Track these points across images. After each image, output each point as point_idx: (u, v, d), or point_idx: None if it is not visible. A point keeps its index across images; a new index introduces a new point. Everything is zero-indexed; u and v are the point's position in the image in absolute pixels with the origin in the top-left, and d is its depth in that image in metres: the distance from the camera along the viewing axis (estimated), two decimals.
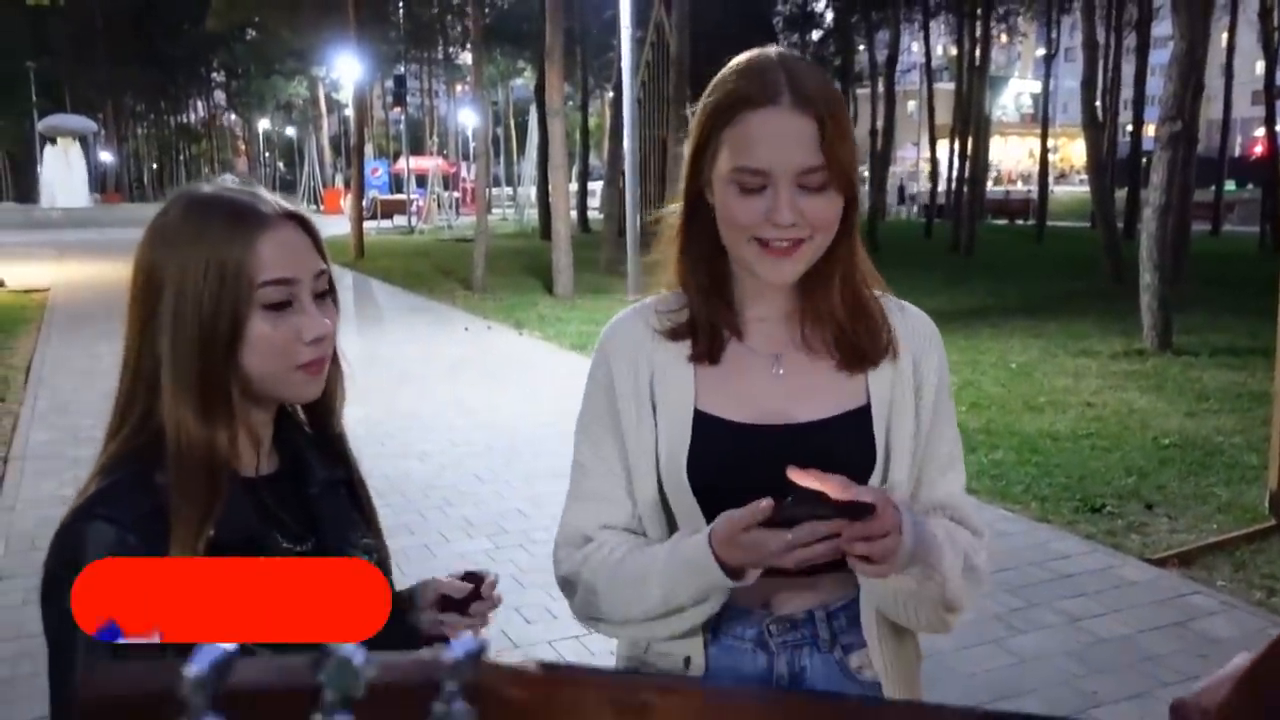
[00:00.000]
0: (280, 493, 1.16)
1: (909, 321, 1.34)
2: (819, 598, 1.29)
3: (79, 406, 7.31)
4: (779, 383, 1.29)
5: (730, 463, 1.27)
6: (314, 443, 1.23)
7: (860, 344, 1.28)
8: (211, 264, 1.05)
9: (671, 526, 1.30)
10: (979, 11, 24.77)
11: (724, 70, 1.24)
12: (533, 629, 3.83)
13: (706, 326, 1.30)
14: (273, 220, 1.09)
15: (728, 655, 1.30)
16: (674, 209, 1.31)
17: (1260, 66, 25.81)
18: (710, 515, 1.23)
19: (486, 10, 26.81)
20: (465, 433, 6.80)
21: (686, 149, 1.28)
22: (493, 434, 6.75)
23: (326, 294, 1.15)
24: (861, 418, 1.28)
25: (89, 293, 14.86)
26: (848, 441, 1.27)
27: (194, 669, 0.36)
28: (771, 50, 1.25)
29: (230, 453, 1.10)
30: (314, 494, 1.19)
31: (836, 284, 1.27)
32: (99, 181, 52.80)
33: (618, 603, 1.27)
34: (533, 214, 32.13)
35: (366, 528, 1.26)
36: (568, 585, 1.33)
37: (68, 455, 6.05)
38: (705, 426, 1.28)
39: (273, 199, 1.12)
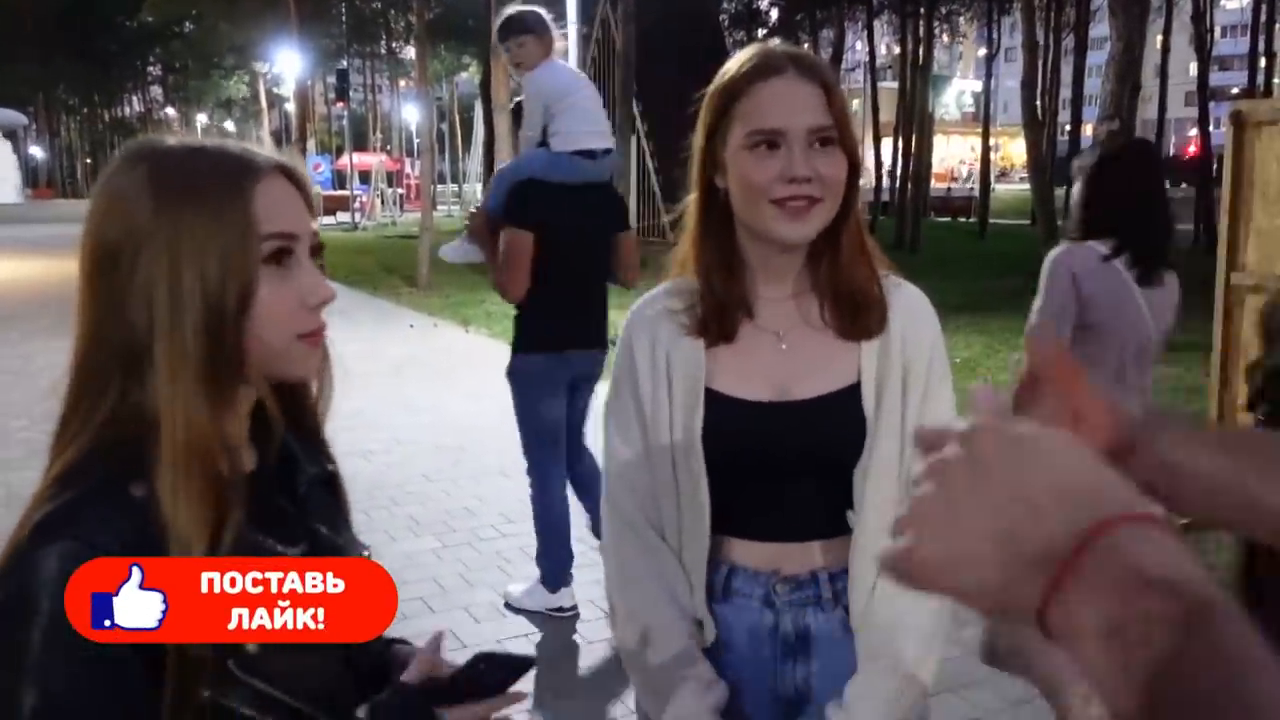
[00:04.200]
0: (264, 491, 1.00)
1: (902, 299, 1.40)
2: (823, 560, 1.38)
3: (8, 408, 7.08)
4: (782, 358, 1.37)
5: (740, 439, 1.36)
6: (294, 435, 1.08)
7: (852, 313, 1.35)
8: (211, 221, 0.91)
9: (679, 500, 1.38)
10: (921, 11, 25.10)
11: (727, 64, 1.35)
12: (482, 628, 3.78)
13: (719, 308, 1.36)
14: (268, 170, 0.96)
15: (736, 613, 1.38)
16: (689, 200, 1.39)
17: (1194, 68, 26.50)
18: (716, 489, 1.35)
19: (431, 4, 26.55)
20: (411, 431, 6.71)
21: (696, 139, 1.37)
22: (439, 432, 6.67)
23: (316, 258, 1.01)
24: (852, 394, 1.36)
25: (19, 291, 14.45)
26: (841, 416, 1.36)
27: None
28: (770, 43, 1.37)
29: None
30: (304, 493, 1.05)
31: (840, 260, 1.35)
32: (30, 177, 51.49)
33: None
34: None
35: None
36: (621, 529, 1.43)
37: None
38: (716, 404, 1.36)
39: (264, 150, 1.00)
